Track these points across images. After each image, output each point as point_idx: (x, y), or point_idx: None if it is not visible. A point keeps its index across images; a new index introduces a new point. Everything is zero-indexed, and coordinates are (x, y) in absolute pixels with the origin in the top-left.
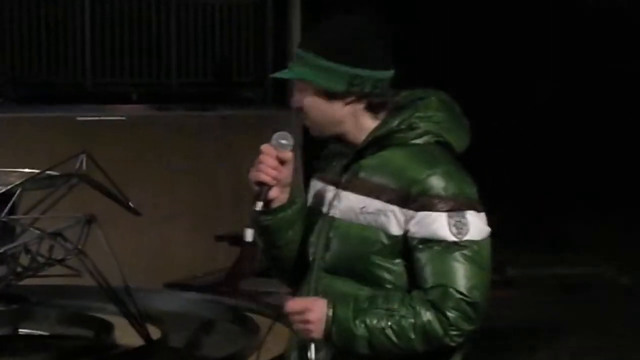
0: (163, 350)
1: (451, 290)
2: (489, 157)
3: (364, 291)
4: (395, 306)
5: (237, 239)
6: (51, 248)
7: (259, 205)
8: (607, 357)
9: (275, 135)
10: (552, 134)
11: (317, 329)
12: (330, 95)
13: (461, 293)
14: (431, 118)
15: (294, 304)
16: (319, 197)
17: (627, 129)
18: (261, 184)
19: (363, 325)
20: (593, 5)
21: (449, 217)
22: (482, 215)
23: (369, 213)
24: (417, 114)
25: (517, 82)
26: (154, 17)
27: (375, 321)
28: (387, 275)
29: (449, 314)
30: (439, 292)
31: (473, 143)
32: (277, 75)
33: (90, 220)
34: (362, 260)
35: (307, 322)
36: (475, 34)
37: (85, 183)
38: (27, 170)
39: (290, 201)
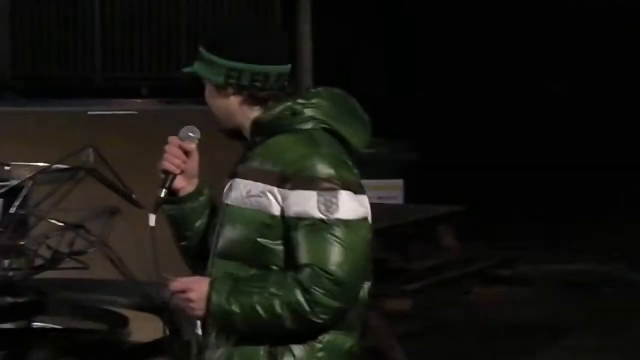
0: (178, 343)
1: (315, 268)
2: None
3: (251, 274)
4: (268, 285)
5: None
6: (72, 240)
7: (163, 193)
8: (621, 355)
9: (184, 129)
10: (560, 131)
11: (199, 307)
12: (217, 88)
13: (325, 271)
14: (315, 105)
15: (177, 284)
16: (223, 190)
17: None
18: (166, 172)
19: (237, 304)
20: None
21: (319, 195)
22: (361, 198)
23: (252, 196)
24: (300, 101)
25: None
26: (164, 12)
27: (247, 299)
28: (272, 257)
29: (313, 291)
30: (307, 270)
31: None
32: (184, 70)
33: (113, 212)
34: (249, 244)
35: (189, 300)
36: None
37: (92, 176)
38: (37, 164)
39: (198, 192)
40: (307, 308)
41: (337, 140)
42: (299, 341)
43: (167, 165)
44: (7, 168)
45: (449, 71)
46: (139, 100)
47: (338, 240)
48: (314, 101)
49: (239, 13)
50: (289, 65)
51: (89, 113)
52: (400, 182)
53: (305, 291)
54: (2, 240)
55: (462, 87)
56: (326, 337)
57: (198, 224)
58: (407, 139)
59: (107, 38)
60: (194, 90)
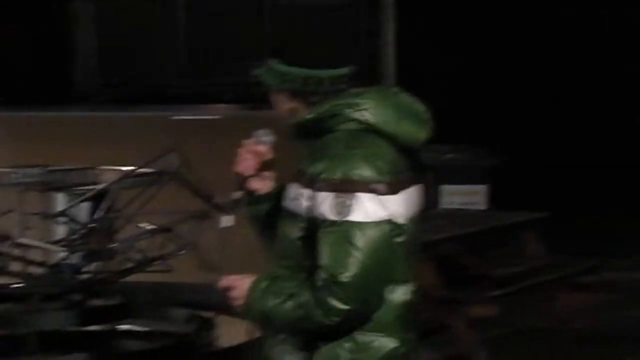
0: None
1: (325, 271)
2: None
3: (288, 271)
4: (289, 285)
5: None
6: (161, 243)
7: (237, 195)
8: None
9: (257, 132)
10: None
11: (239, 305)
12: (276, 92)
13: (332, 274)
14: (357, 105)
15: (223, 282)
16: None
17: None
18: (240, 174)
19: (262, 304)
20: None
21: (335, 197)
22: (387, 199)
23: (292, 199)
24: (340, 102)
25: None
26: (247, 18)
27: (270, 300)
28: (303, 256)
29: (320, 293)
30: (318, 272)
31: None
32: (253, 74)
33: (202, 216)
34: (288, 243)
35: (232, 298)
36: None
37: (175, 181)
38: (122, 168)
39: (271, 194)
40: (317, 310)
41: (384, 139)
42: (331, 341)
43: (241, 167)
44: (94, 172)
45: (531, 73)
46: (222, 106)
47: (348, 243)
48: (356, 101)
49: (322, 19)
50: (346, 68)
51: (173, 118)
52: (482, 188)
53: (316, 293)
54: (90, 244)
55: (544, 88)
56: (361, 339)
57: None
58: (490, 143)
59: (191, 44)
60: None
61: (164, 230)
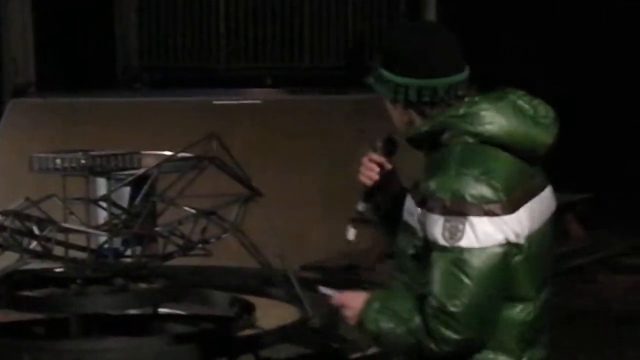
0: (303, 331)
1: (435, 299)
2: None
3: (404, 290)
4: (403, 309)
5: (371, 220)
6: (204, 227)
7: (361, 206)
8: None
9: (378, 139)
10: None
11: (353, 322)
12: (391, 102)
13: (442, 303)
14: (469, 117)
15: (336, 299)
16: None
17: None
18: (364, 185)
19: (375, 325)
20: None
21: (446, 221)
22: (501, 220)
23: (409, 214)
24: (453, 113)
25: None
26: (288, 1)
27: (383, 323)
28: (418, 273)
29: (429, 321)
30: (429, 299)
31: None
32: (365, 80)
33: (248, 199)
34: (406, 260)
35: (345, 316)
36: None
37: (215, 166)
38: (164, 152)
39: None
40: (424, 337)
41: (504, 150)
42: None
43: (362, 178)
44: (136, 157)
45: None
46: (263, 90)
47: (459, 270)
48: (470, 111)
49: (364, 0)
50: (463, 73)
51: (214, 102)
52: None
53: (427, 322)
54: (132, 228)
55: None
56: (477, 357)
57: None
58: None
59: (231, 28)
60: (317, 81)
61: (207, 213)
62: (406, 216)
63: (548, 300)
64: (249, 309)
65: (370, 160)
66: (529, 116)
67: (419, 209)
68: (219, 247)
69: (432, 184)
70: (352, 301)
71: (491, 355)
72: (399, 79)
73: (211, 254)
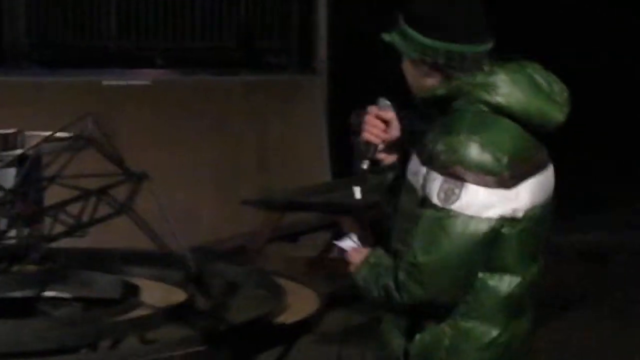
0: (189, 313)
1: (410, 251)
2: None
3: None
4: (386, 263)
5: (262, 202)
6: (94, 207)
7: (366, 164)
8: (624, 326)
9: (380, 100)
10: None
11: (353, 274)
12: (413, 62)
13: (414, 255)
14: (486, 86)
15: (341, 249)
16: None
17: None
18: (368, 143)
19: (359, 278)
20: None
21: (444, 182)
22: (501, 192)
23: (413, 174)
24: (470, 80)
25: None
26: None
27: (367, 276)
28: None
29: (399, 274)
30: (408, 251)
31: None
32: (382, 36)
33: (141, 177)
34: (408, 216)
35: (348, 265)
36: None
37: (92, 146)
38: (47, 133)
39: (399, 161)
40: (393, 290)
41: (515, 121)
42: (435, 324)
43: (367, 135)
44: (19, 137)
45: None
46: (154, 70)
47: (442, 230)
48: (485, 81)
49: None
50: (490, 43)
51: (104, 83)
52: None
53: (397, 273)
54: (18, 208)
55: None
56: (463, 325)
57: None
58: None
59: (122, 7)
60: (209, 62)
61: (98, 192)
62: (409, 176)
63: (536, 277)
64: (135, 291)
65: (376, 116)
66: (544, 91)
67: (423, 168)
68: (106, 229)
69: (440, 145)
70: (355, 255)
71: (475, 324)
72: (428, 41)
73: (84, 236)
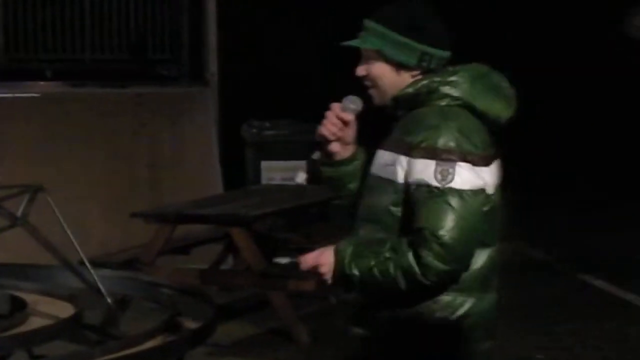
0: (77, 327)
1: (427, 232)
2: None
3: (379, 236)
4: (384, 249)
5: (153, 215)
6: None
7: (317, 155)
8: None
9: (345, 99)
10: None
11: (330, 276)
12: (399, 67)
13: (434, 235)
14: (452, 82)
15: (306, 262)
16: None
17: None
18: (322, 137)
19: (357, 268)
20: None
21: (437, 165)
22: (481, 170)
23: (387, 165)
24: (436, 79)
25: None
26: None
27: (365, 262)
28: (397, 222)
29: (422, 253)
30: (418, 234)
31: None
32: (351, 43)
33: (37, 190)
34: (379, 209)
35: (320, 274)
36: None
37: None
38: None
39: (352, 158)
40: (417, 270)
41: (473, 115)
42: (417, 302)
43: (323, 130)
44: None
45: None
46: (43, 83)
47: (450, 207)
48: (450, 79)
49: None
50: (449, 51)
51: None
52: (303, 164)
53: (416, 253)
54: None
55: None
56: (443, 299)
57: (351, 185)
58: (314, 118)
59: (9, 19)
60: (99, 74)
61: None
62: (377, 171)
63: (497, 253)
64: (21, 306)
65: (337, 116)
66: (496, 89)
67: (402, 158)
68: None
69: (422, 134)
70: (322, 258)
71: (454, 296)
72: (427, 48)
73: None
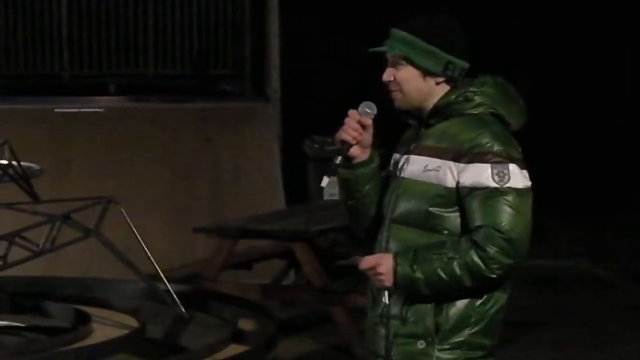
0: (140, 341)
1: (491, 229)
2: None
3: (423, 237)
4: (445, 250)
5: (215, 230)
6: (57, 232)
7: (339, 160)
8: (583, 348)
9: (362, 104)
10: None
11: (388, 279)
12: (426, 73)
13: (499, 231)
14: (484, 92)
15: (367, 262)
16: (395, 164)
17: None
18: (343, 142)
19: (420, 271)
20: None
21: (493, 167)
22: (525, 172)
23: (429, 170)
24: (471, 89)
25: None
26: (132, 8)
27: (428, 265)
28: (442, 223)
29: (488, 249)
30: (481, 231)
31: None
32: (379, 49)
33: (110, 201)
34: (421, 211)
35: (379, 274)
36: None
37: (6, 174)
38: None
39: (369, 160)
40: (482, 265)
41: (500, 122)
42: (470, 297)
43: (344, 135)
44: None
45: None
46: (107, 98)
47: (510, 205)
48: (482, 89)
49: (209, 9)
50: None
51: (56, 110)
52: None
53: (480, 249)
54: None
55: None
56: (495, 294)
57: (367, 187)
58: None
59: (74, 35)
60: (162, 89)
61: (63, 217)
62: (413, 175)
63: None
64: (85, 319)
65: (354, 119)
66: (513, 98)
67: (450, 164)
68: (57, 256)
69: (470, 141)
70: (381, 259)
71: (500, 292)
72: (452, 58)
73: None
